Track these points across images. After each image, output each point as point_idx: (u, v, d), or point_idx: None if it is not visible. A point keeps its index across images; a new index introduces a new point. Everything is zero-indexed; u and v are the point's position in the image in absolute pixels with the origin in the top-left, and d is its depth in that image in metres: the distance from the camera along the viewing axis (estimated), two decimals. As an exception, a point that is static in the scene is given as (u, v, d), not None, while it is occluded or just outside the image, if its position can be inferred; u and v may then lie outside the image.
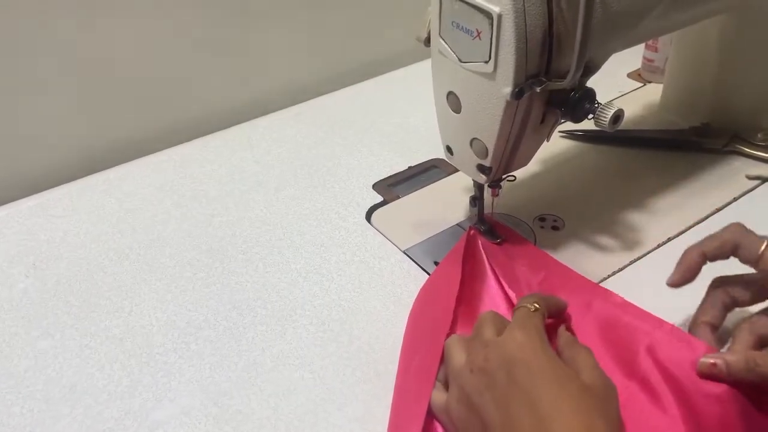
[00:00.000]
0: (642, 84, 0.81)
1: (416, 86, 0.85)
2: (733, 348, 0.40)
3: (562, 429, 0.33)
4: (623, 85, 0.81)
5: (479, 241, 0.55)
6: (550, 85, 0.44)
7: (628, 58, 0.83)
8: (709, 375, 0.39)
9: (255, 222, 0.63)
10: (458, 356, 0.40)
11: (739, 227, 0.43)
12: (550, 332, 0.41)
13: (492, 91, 0.45)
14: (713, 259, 0.43)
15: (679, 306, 0.48)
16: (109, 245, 0.61)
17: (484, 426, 0.36)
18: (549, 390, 0.35)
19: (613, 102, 0.46)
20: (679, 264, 0.44)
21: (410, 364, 0.45)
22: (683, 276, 0.43)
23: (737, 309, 0.44)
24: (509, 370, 0.36)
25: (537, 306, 0.41)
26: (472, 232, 0.55)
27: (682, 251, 0.53)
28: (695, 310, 0.45)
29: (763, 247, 0.40)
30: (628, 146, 0.68)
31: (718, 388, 0.39)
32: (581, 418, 0.33)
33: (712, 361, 0.39)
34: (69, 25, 0.67)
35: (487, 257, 0.53)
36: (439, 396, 0.40)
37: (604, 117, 0.45)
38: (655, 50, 0.78)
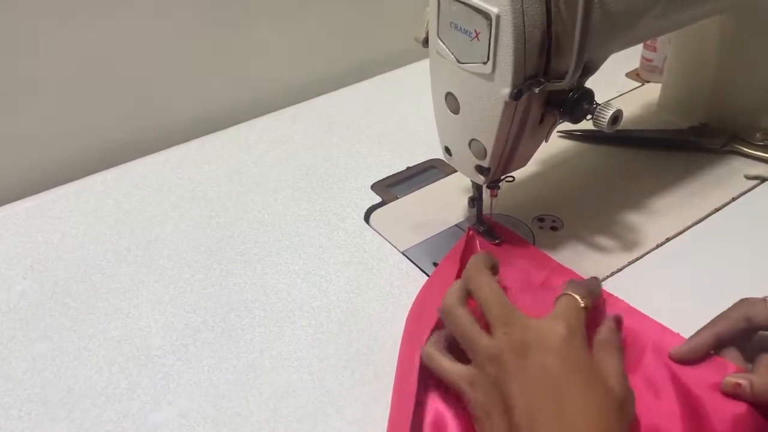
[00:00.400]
0: (640, 84, 0.81)
1: (414, 86, 0.84)
2: (759, 370, 0.39)
3: (582, 427, 0.34)
4: (622, 84, 0.81)
5: (477, 242, 0.54)
6: (548, 85, 0.44)
7: (627, 58, 0.83)
8: (732, 394, 0.39)
9: (253, 223, 0.63)
10: (477, 331, 0.39)
11: (745, 301, 0.42)
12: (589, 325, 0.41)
13: (490, 92, 0.45)
14: (728, 340, 0.41)
15: (679, 307, 0.48)
16: (107, 246, 0.61)
17: (506, 407, 0.36)
18: (577, 388, 0.36)
19: (611, 102, 0.46)
20: (690, 339, 0.42)
21: (409, 364, 0.45)
22: (689, 354, 0.42)
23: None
24: (545, 360, 0.36)
25: (585, 302, 0.41)
26: (471, 232, 0.55)
27: (681, 251, 0.53)
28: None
29: None
30: (626, 146, 0.68)
31: (736, 407, 0.39)
32: (601, 421, 0.35)
33: (737, 381, 0.38)
34: (67, 25, 0.67)
35: None
36: (457, 367, 0.40)
37: (603, 117, 0.45)
38: (654, 50, 0.78)
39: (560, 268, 0.52)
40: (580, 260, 0.54)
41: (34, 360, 0.50)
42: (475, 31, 0.43)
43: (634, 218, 0.59)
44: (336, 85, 0.86)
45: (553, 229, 0.58)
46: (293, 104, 0.83)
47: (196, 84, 0.79)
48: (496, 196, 0.55)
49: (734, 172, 0.63)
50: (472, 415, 0.38)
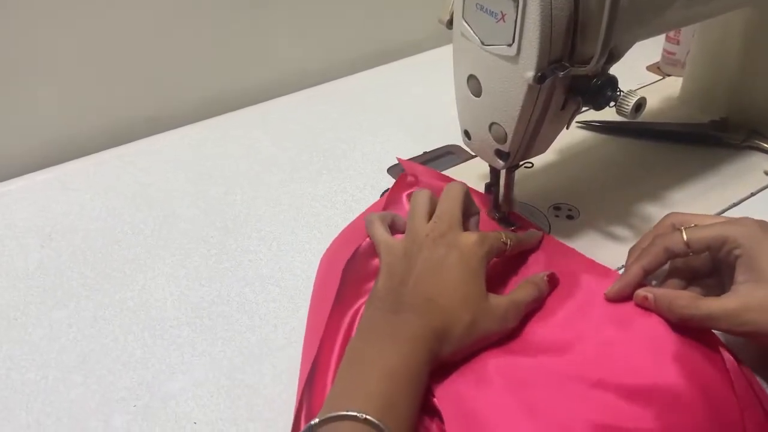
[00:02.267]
0: (661, 77, 0.80)
1: (433, 72, 0.84)
2: (666, 284, 0.46)
3: (447, 297, 0.41)
4: (642, 77, 0.80)
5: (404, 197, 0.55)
6: (573, 70, 0.44)
7: (648, 51, 0.82)
8: (642, 306, 0.45)
9: (269, 201, 0.63)
10: (424, 221, 0.46)
11: (659, 236, 0.46)
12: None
13: (514, 75, 0.44)
14: (653, 270, 0.46)
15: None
16: (124, 219, 0.62)
17: (406, 269, 0.43)
18: (460, 275, 0.43)
19: (636, 91, 0.46)
20: (621, 278, 0.47)
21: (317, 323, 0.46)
22: (623, 290, 0.46)
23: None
24: (449, 252, 0.43)
25: (508, 241, 0.47)
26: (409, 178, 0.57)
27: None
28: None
29: (684, 237, 0.44)
30: (645, 138, 0.68)
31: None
32: (465, 304, 0.42)
33: (644, 294, 0.44)
34: (90, 1, 0.67)
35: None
36: (386, 236, 0.46)
37: (627, 105, 0.45)
38: (677, 43, 0.77)
39: (573, 254, 0.52)
40: (596, 250, 0.54)
41: (51, 326, 0.51)
42: (502, 12, 0.43)
43: (651, 210, 0.58)
44: (355, 68, 0.86)
45: (570, 218, 0.58)
46: (311, 86, 0.83)
47: (216, 63, 0.79)
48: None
49: (753, 167, 0.63)
50: (380, 270, 0.44)
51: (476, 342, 0.42)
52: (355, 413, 0.34)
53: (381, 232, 0.46)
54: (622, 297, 0.46)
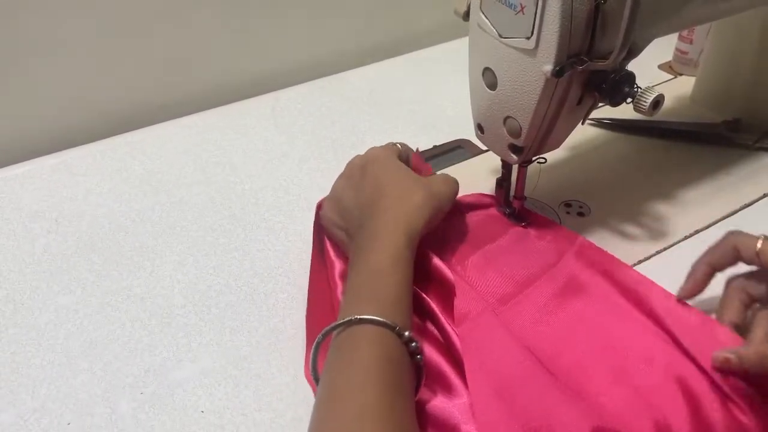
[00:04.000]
0: (673, 76, 0.79)
1: (445, 65, 0.84)
2: (749, 339, 0.41)
3: (387, 202, 0.47)
4: (654, 76, 0.80)
5: None
6: (591, 65, 0.43)
7: (660, 49, 0.81)
8: (722, 369, 0.41)
9: (278, 191, 0.63)
10: (352, 161, 0.53)
11: (734, 233, 0.45)
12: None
13: (531, 68, 0.44)
14: (720, 267, 0.45)
15: (705, 299, 0.48)
16: (131, 206, 0.61)
17: (342, 207, 0.50)
18: (389, 179, 0.49)
19: (653, 88, 0.45)
20: (689, 277, 0.46)
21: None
22: (693, 288, 0.46)
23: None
24: (365, 166, 0.51)
25: (398, 145, 0.55)
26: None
27: (710, 244, 0.53)
28: (717, 312, 0.45)
29: (759, 244, 0.43)
30: (657, 137, 0.68)
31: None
32: (403, 200, 0.47)
33: (726, 356, 0.41)
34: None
35: None
36: (321, 213, 0.54)
37: (644, 101, 0.44)
38: (690, 42, 0.77)
39: (588, 246, 0.52)
40: (606, 247, 0.53)
41: (57, 312, 0.50)
42: (521, 4, 0.42)
43: (662, 209, 0.58)
44: (366, 60, 0.86)
45: (580, 215, 0.58)
46: (321, 77, 0.82)
47: (226, 51, 0.78)
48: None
49: (766, 169, 0.62)
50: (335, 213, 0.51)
51: (437, 209, 0.49)
52: (366, 316, 0.39)
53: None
54: (693, 294, 0.46)
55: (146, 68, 0.74)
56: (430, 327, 0.46)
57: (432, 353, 0.44)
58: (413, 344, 0.39)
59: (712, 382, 0.41)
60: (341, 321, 0.39)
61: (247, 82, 0.80)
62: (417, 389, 0.40)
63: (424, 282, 0.48)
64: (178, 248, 0.56)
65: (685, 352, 0.43)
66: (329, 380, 0.37)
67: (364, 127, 0.73)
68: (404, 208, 0.47)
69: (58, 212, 0.61)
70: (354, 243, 0.47)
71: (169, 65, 0.76)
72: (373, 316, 0.39)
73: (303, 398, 0.43)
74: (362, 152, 0.57)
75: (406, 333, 0.39)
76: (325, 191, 0.62)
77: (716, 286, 0.48)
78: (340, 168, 0.65)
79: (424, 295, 0.47)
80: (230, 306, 0.50)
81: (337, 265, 0.50)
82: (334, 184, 0.53)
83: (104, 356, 0.47)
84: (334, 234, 0.52)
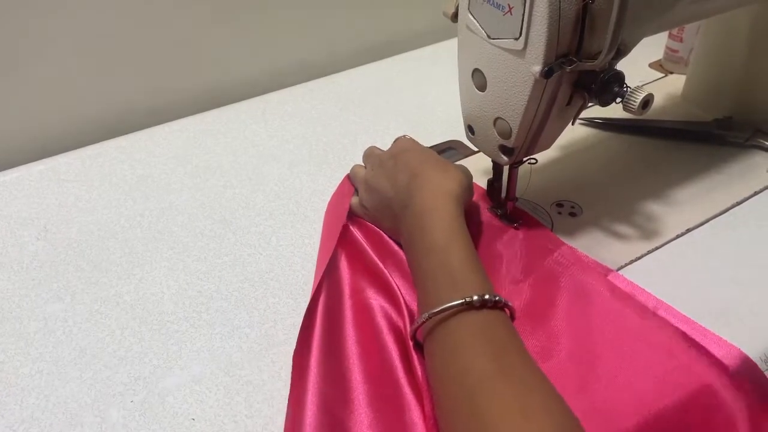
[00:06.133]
0: (663, 74, 0.79)
1: (437, 67, 0.84)
2: None
3: (425, 181, 0.48)
4: (644, 75, 0.80)
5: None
6: (580, 65, 0.43)
7: (650, 48, 0.82)
8: None
9: (269, 195, 0.62)
10: (376, 151, 0.57)
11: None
12: None
13: (520, 69, 0.44)
14: None
15: (697, 297, 0.48)
16: (121, 212, 0.61)
17: (380, 197, 0.52)
18: (421, 160, 0.51)
19: (642, 87, 0.45)
20: None
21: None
22: None
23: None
24: (396, 156, 0.52)
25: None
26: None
27: (701, 243, 0.53)
28: None
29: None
30: (648, 136, 0.68)
31: None
32: (440, 173, 0.49)
33: None
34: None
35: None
36: (354, 200, 0.56)
37: (634, 101, 0.44)
38: (680, 40, 0.77)
39: (572, 252, 0.52)
40: (598, 247, 0.54)
41: (46, 320, 0.50)
42: (509, 5, 0.42)
43: (654, 208, 0.58)
44: (355, 62, 0.85)
45: (572, 215, 0.58)
46: (312, 79, 0.82)
47: (215, 54, 0.78)
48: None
49: (757, 166, 0.62)
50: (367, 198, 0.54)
51: (469, 186, 0.51)
52: (455, 302, 0.39)
53: (358, 173, 0.57)
54: None
55: (134, 72, 0.74)
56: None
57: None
58: (497, 299, 0.40)
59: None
60: (445, 306, 0.39)
61: (237, 85, 0.80)
62: None
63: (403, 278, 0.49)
64: (168, 254, 0.56)
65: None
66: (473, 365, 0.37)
67: (356, 129, 0.72)
68: (444, 180, 0.48)
69: (46, 219, 0.60)
70: (404, 224, 0.48)
71: (157, 69, 0.75)
72: (461, 300, 0.39)
73: (295, 404, 0.43)
74: (354, 154, 0.58)
75: (490, 297, 0.40)
76: (316, 194, 0.62)
77: (723, 290, 0.48)
78: (332, 171, 0.66)
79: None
80: (221, 312, 0.50)
81: (370, 249, 0.52)
82: (366, 177, 0.54)
83: (94, 364, 0.46)
84: (374, 219, 0.54)
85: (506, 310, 0.41)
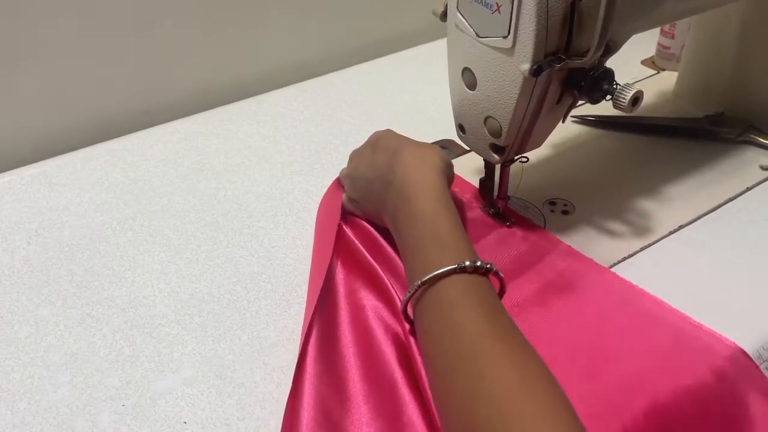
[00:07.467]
0: (655, 71, 0.80)
1: (428, 66, 0.84)
2: None
3: (405, 155, 0.47)
4: (636, 72, 0.80)
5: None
6: (569, 63, 0.43)
7: (642, 45, 0.82)
8: None
9: (261, 197, 0.62)
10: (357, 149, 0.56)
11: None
12: None
13: (509, 68, 0.44)
14: None
15: (690, 293, 0.48)
16: (113, 215, 0.61)
17: (363, 183, 0.51)
18: (399, 139, 0.51)
19: (632, 84, 0.45)
20: None
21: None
22: None
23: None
24: (373, 143, 0.52)
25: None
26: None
27: (694, 239, 0.53)
28: None
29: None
30: (640, 133, 0.68)
31: None
32: (420, 148, 0.49)
33: None
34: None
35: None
36: (344, 196, 0.55)
37: (623, 98, 0.44)
38: (672, 37, 0.77)
39: (569, 251, 0.52)
40: (591, 245, 0.53)
41: (38, 324, 0.50)
42: (497, 4, 0.42)
43: (646, 205, 0.58)
44: (347, 63, 0.85)
45: (565, 213, 0.58)
46: (303, 80, 0.82)
47: (207, 55, 0.78)
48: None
49: (749, 162, 0.62)
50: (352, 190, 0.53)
51: (450, 166, 0.50)
52: (446, 268, 0.39)
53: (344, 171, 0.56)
54: None
55: (126, 74, 0.74)
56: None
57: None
58: (488, 266, 0.40)
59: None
60: (435, 273, 0.39)
61: (229, 87, 0.80)
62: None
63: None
64: (160, 257, 0.56)
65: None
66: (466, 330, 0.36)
67: (348, 130, 0.72)
68: (426, 152, 0.48)
69: (38, 223, 0.60)
70: (388, 199, 0.47)
71: (149, 71, 0.75)
72: (454, 265, 0.39)
73: (287, 406, 0.42)
74: (347, 155, 0.57)
75: (481, 264, 0.39)
76: (308, 195, 0.62)
77: (716, 286, 0.48)
78: (324, 171, 0.65)
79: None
80: (213, 314, 0.50)
81: (361, 246, 0.52)
82: (348, 171, 0.55)
83: (85, 368, 0.46)
84: (363, 209, 0.53)
85: (497, 279, 0.41)
